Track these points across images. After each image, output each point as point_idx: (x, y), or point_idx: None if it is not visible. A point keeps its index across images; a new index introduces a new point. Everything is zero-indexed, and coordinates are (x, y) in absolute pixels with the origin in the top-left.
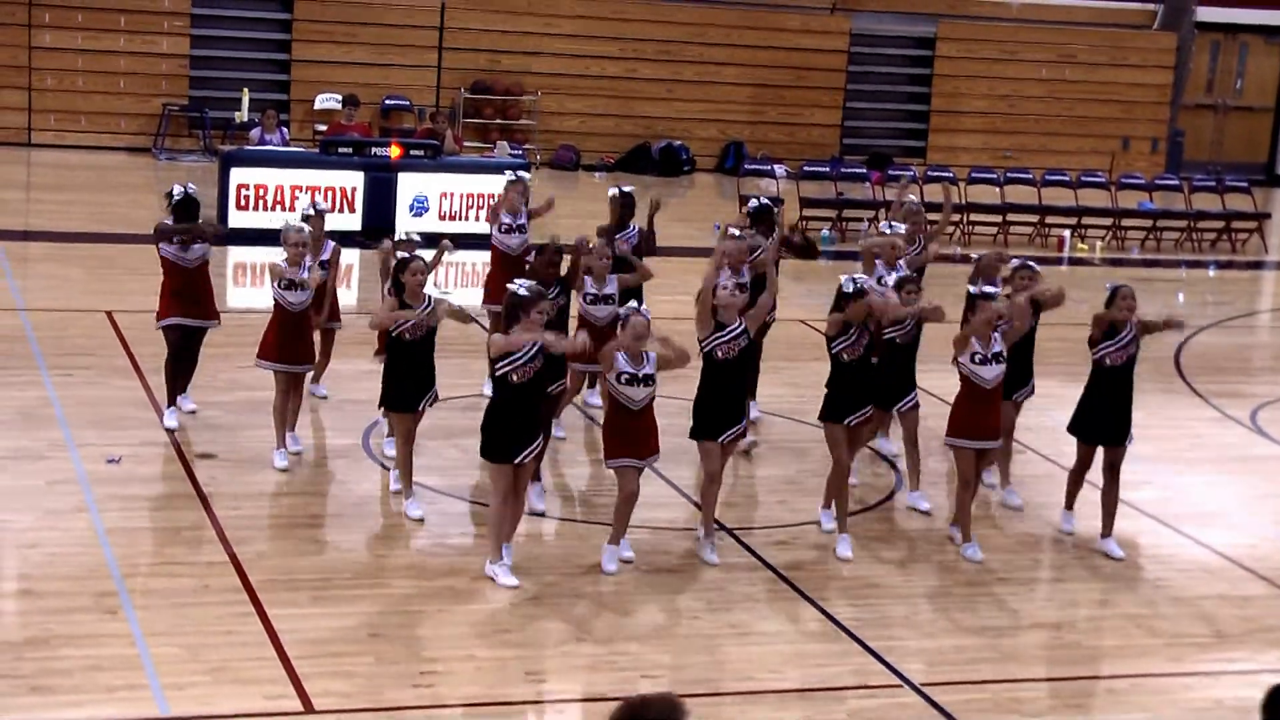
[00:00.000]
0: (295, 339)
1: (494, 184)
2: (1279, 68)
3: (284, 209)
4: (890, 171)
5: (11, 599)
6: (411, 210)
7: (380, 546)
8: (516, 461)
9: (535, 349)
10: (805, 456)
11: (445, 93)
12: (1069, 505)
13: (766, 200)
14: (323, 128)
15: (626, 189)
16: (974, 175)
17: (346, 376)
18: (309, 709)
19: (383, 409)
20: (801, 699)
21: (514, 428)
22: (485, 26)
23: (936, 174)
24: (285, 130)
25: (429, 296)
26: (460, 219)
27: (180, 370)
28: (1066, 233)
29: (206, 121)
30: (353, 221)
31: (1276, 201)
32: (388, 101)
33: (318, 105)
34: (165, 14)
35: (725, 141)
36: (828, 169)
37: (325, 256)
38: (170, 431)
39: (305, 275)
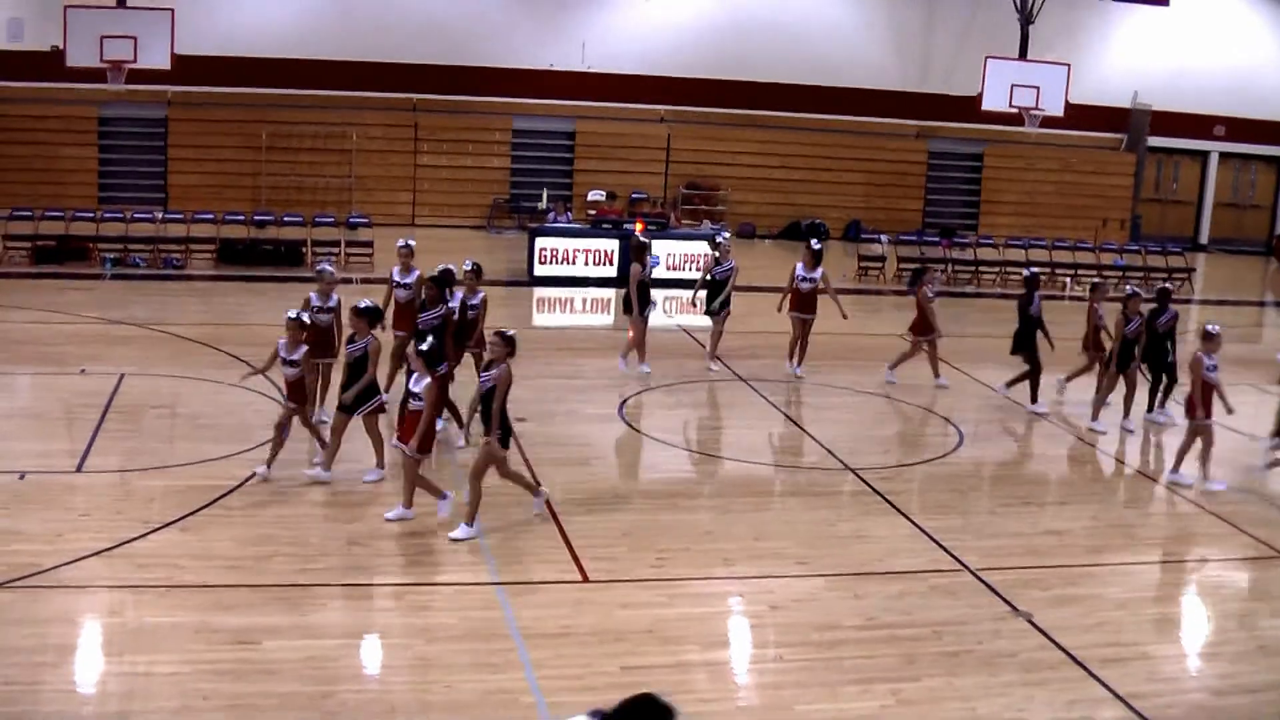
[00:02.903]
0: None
1: (701, 247)
2: (1199, 176)
3: (569, 264)
4: (955, 239)
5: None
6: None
7: (627, 475)
8: None
9: None
10: (907, 421)
11: (670, 188)
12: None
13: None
14: (593, 211)
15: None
16: (1008, 242)
17: (606, 370)
18: (584, 578)
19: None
20: (899, 578)
21: None
22: (695, 147)
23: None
24: (570, 213)
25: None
26: (679, 269)
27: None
28: (1068, 279)
29: (520, 208)
30: (610, 271)
31: (1199, 260)
32: (634, 194)
33: (590, 197)
34: (495, 142)
35: (849, 219)
36: (914, 237)
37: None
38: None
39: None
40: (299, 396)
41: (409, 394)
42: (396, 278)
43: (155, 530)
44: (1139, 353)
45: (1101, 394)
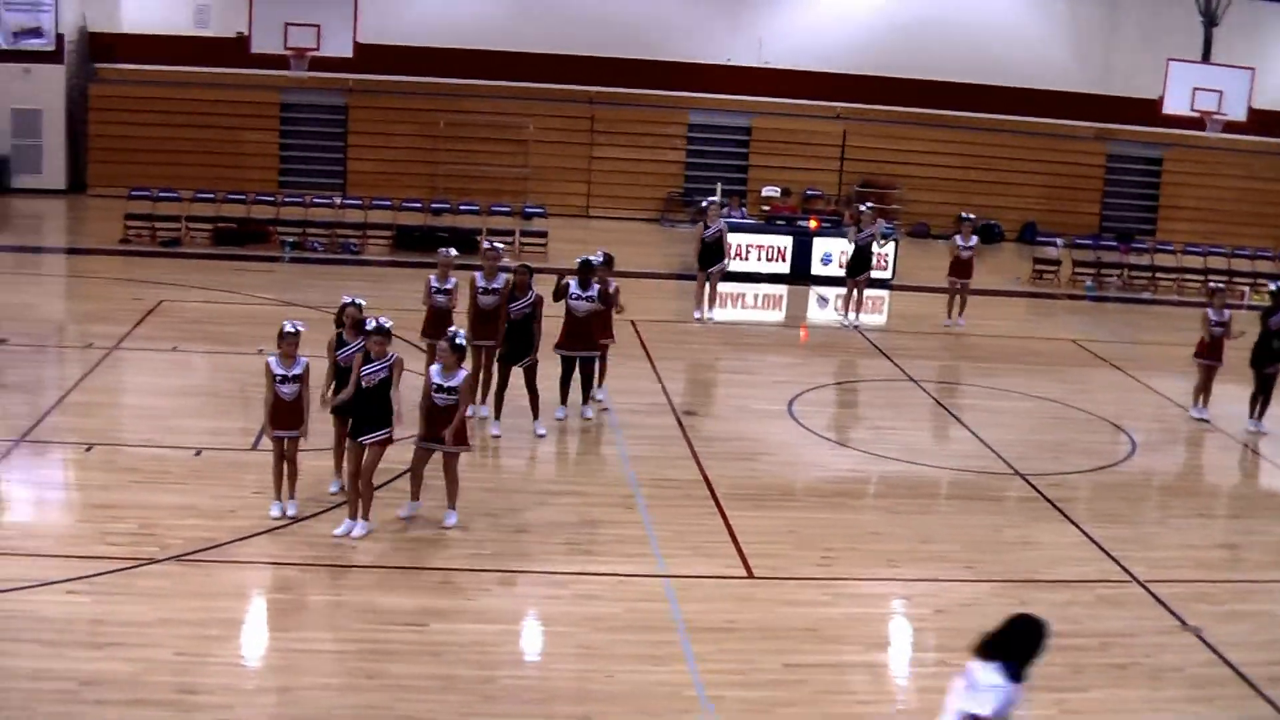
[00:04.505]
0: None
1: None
2: None
3: (742, 260)
4: (1132, 244)
5: (570, 497)
6: (823, 261)
7: (794, 472)
8: None
9: None
10: (1078, 427)
11: (845, 186)
12: None
13: None
14: (767, 208)
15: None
16: (1187, 248)
17: (776, 366)
18: (749, 574)
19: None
20: (1066, 587)
21: None
22: (871, 145)
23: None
24: (744, 209)
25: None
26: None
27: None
28: (1247, 288)
29: (694, 202)
30: (783, 268)
31: None
32: (808, 191)
33: (764, 193)
34: (670, 136)
35: (1024, 221)
36: (1090, 241)
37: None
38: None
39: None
40: (296, 420)
41: (438, 389)
42: (481, 283)
43: (326, 510)
44: None
45: None
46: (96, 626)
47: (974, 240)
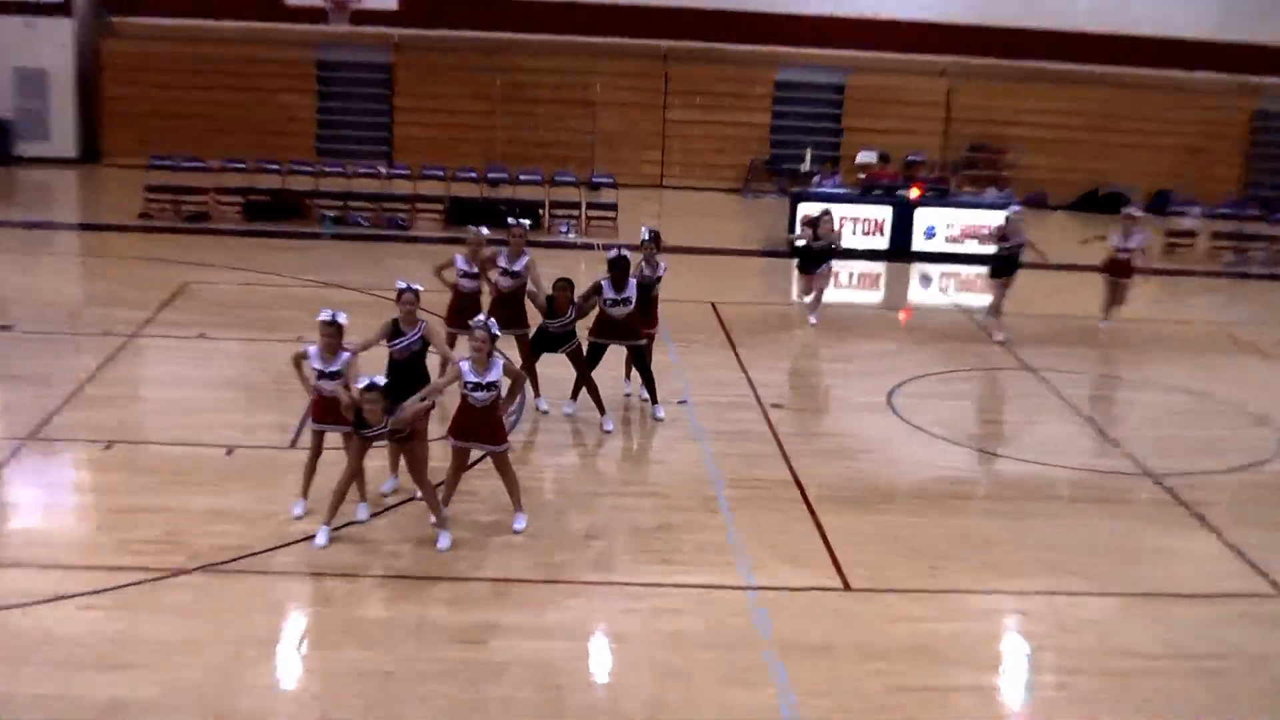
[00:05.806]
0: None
1: (985, 217)
2: None
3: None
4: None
5: (646, 498)
6: (926, 235)
7: (897, 472)
8: None
9: None
10: (1218, 422)
11: (951, 150)
12: None
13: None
14: (863, 175)
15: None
16: None
17: (874, 354)
18: (847, 586)
19: None
20: (1206, 602)
21: None
22: (980, 104)
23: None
24: (837, 176)
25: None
26: (958, 242)
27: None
28: None
29: (781, 170)
30: (881, 243)
31: None
32: (909, 156)
33: (859, 160)
34: (755, 95)
35: (1156, 188)
36: (1231, 210)
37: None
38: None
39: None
40: (339, 414)
41: (474, 387)
42: (503, 263)
43: (374, 515)
44: None
45: None
46: (116, 646)
47: (1136, 239)
